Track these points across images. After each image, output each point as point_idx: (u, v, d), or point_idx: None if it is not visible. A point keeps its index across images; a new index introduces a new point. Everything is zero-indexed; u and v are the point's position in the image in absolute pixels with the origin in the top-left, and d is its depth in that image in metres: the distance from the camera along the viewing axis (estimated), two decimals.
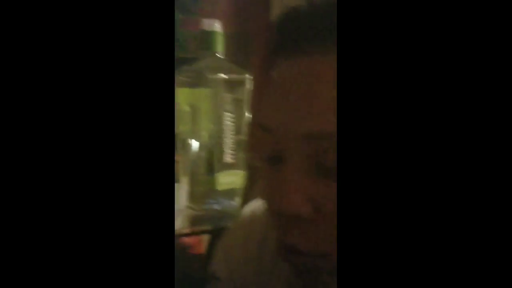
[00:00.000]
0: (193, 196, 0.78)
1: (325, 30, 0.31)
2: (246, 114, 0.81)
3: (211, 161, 0.78)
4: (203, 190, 0.79)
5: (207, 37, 0.78)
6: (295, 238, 0.32)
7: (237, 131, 0.80)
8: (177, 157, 0.85)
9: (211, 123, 0.78)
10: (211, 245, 1.03)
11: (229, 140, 0.79)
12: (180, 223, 0.71)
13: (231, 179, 0.79)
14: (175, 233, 0.75)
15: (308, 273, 0.33)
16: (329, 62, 0.30)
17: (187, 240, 1.14)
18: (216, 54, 0.79)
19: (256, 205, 0.47)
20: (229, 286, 0.44)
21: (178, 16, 1.01)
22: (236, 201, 0.81)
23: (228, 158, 0.79)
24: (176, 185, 0.78)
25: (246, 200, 0.81)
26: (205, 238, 1.06)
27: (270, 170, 0.33)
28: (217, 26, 0.78)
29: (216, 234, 1.02)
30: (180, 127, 0.81)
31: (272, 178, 0.33)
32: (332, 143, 0.29)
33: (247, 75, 0.80)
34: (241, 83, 0.79)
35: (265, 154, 0.34)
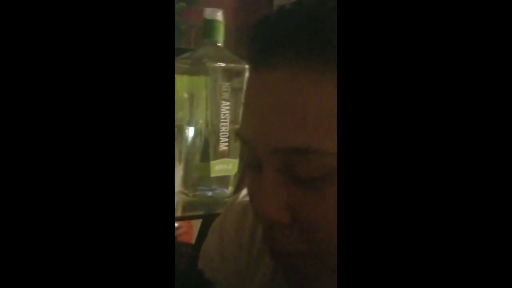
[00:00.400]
0: (186, 182, 0.79)
1: (289, 41, 0.30)
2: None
3: (206, 148, 0.80)
4: (197, 176, 0.80)
5: (208, 26, 0.78)
6: (277, 241, 0.32)
7: (233, 120, 0.81)
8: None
9: (208, 111, 0.79)
10: (201, 231, 1.04)
11: (224, 129, 0.80)
12: None
13: (224, 167, 0.80)
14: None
15: (293, 272, 0.34)
16: (292, 75, 0.29)
17: (177, 225, 1.15)
18: (217, 44, 0.80)
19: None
20: (220, 274, 0.44)
21: (182, 5, 1.02)
22: (229, 189, 0.82)
23: (223, 146, 0.80)
24: None
25: (238, 188, 0.83)
26: (195, 224, 1.07)
27: (251, 176, 0.34)
28: (219, 15, 0.79)
29: (207, 220, 1.03)
30: (178, 113, 0.82)
31: (253, 184, 0.34)
32: (303, 156, 0.29)
33: (246, 65, 0.81)
34: (240, 72, 0.81)
35: (246, 161, 0.34)
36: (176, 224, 1.18)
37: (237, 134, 0.34)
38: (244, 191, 0.48)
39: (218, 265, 0.45)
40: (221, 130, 0.79)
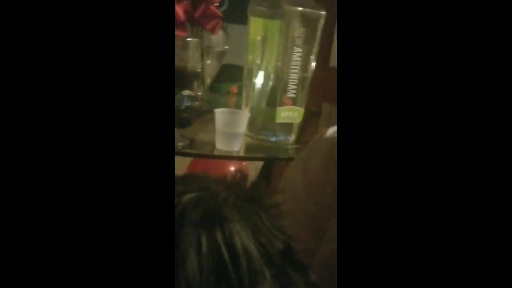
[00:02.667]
0: (251, 125, 0.80)
1: None
2: (315, 53, 0.81)
3: (274, 94, 0.80)
4: (262, 121, 0.81)
5: None
6: None
7: (304, 68, 0.80)
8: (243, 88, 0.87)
9: (280, 57, 0.78)
10: (262, 173, 1.07)
11: (294, 76, 0.79)
12: (236, 147, 0.74)
13: (290, 114, 0.81)
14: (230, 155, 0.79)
15: None
16: None
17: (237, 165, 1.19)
18: None
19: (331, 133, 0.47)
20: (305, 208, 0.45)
21: None
22: (292, 137, 0.83)
23: (290, 93, 0.80)
24: (238, 111, 0.81)
25: (301, 137, 0.83)
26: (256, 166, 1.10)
27: None
28: None
29: (268, 163, 1.05)
30: (249, 56, 0.82)
31: None
32: None
33: (323, 12, 0.79)
34: (316, 19, 0.78)
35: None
36: (232, 168, 1.22)
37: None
38: (331, 130, 0.47)
39: (303, 198, 0.46)
40: (290, 78, 0.79)
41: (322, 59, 0.89)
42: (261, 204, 0.29)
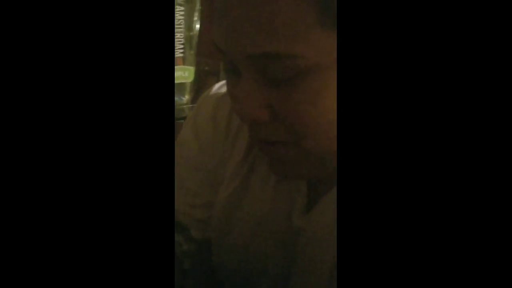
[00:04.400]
0: None
1: None
2: (198, 11, 0.81)
3: None
4: None
5: None
6: (260, 133, 0.35)
7: (189, 27, 0.80)
8: None
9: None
10: None
11: (180, 35, 0.80)
12: None
13: (180, 73, 0.81)
14: None
15: (275, 159, 0.37)
16: None
17: None
18: None
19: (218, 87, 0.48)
20: (198, 162, 0.46)
21: None
22: (186, 97, 0.84)
23: (178, 53, 0.80)
24: None
25: (196, 97, 0.84)
26: None
27: (231, 81, 0.36)
28: None
29: None
30: None
31: (233, 88, 0.35)
32: (276, 60, 0.31)
33: None
34: None
35: (224, 67, 0.36)
36: None
37: (212, 44, 0.35)
38: (217, 86, 0.48)
39: (195, 154, 0.47)
40: (176, 37, 0.79)
41: (209, 19, 0.90)
42: None
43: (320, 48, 0.31)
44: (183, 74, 0.81)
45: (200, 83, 0.84)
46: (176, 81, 0.81)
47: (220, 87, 0.48)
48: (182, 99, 0.84)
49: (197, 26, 0.82)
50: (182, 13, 0.78)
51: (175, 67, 0.80)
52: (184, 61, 0.81)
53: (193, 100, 0.84)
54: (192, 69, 0.82)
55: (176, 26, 0.78)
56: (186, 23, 0.79)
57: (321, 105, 0.33)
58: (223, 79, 0.44)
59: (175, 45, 0.79)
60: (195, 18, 0.81)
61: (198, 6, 0.81)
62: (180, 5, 0.78)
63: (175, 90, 0.82)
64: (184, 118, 0.81)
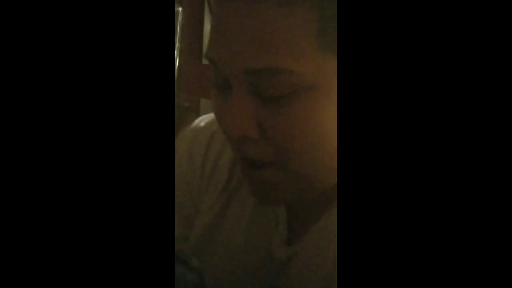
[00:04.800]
0: None
1: None
2: (177, 49, 0.81)
3: None
4: None
5: None
6: (246, 151, 0.35)
7: None
8: None
9: None
10: None
11: None
12: None
13: None
14: None
15: (265, 184, 0.36)
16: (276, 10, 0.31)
17: None
18: None
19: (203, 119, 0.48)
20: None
21: None
22: None
23: None
24: None
25: (176, 133, 0.81)
26: None
27: (220, 96, 0.36)
28: None
29: None
30: None
31: (222, 103, 0.35)
32: (271, 76, 0.32)
33: (178, 8, 0.80)
34: None
35: (214, 81, 0.36)
36: None
37: (205, 56, 0.35)
38: (196, 121, 0.48)
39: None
40: None
41: (192, 55, 0.83)
42: None
43: (318, 68, 0.31)
44: None
45: (181, 119, 0.80)
46: None
47: (199, 121, 0.48)
48: None
49: (176, 63, 0.81)
50: None
51: None
52: None
53: None
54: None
55: None
56: None
57: (311, 126, 0.33)
58: (203, 114, 0.45)
59: None
60: (175, 55, 0.82)
61: (177, 44, 0.81)
62: None
63: None
64: None
